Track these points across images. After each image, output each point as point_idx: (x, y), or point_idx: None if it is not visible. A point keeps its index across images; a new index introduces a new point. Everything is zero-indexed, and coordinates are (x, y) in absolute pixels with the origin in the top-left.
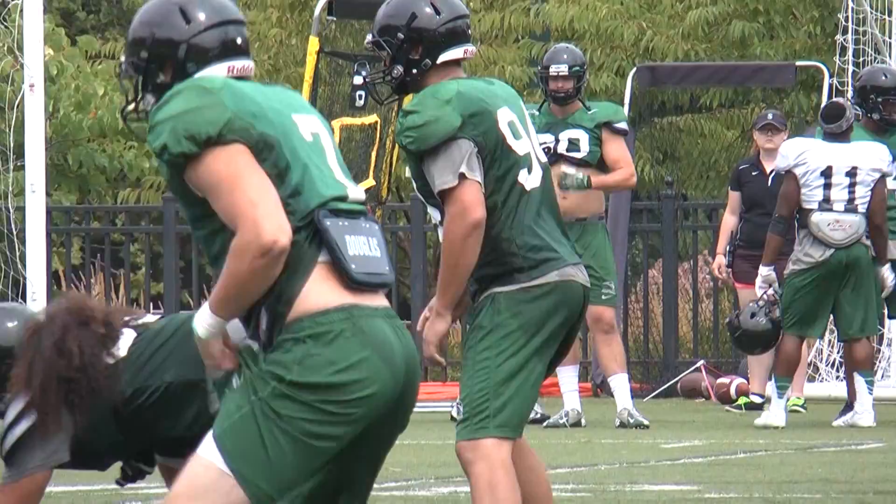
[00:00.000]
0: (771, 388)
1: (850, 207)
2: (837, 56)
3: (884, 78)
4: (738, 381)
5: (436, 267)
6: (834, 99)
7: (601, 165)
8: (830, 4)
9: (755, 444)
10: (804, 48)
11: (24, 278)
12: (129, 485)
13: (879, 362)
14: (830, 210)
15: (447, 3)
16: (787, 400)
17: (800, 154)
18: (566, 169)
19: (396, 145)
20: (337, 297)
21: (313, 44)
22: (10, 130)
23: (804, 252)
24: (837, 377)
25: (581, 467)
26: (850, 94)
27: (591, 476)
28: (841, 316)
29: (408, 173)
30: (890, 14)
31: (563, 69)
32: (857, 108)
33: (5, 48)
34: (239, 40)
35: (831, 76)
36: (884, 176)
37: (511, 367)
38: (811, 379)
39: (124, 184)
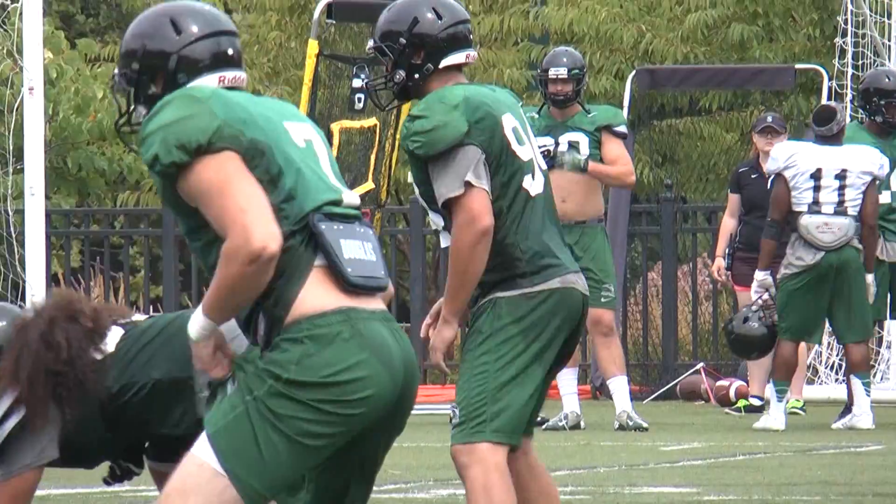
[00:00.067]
0: (770, 392)
1: (840, 210)
2: (837, 59)
3: (887, 80)
4: (738, 383)
5: (435, 270)
6: (826, 102)
7: None
8: (830, 7)
9: (754, 446)
10: (803, 51)
11: (24, 281)
12: (117, 485)
13: (878, 365)
14: (819, 213)
15: (449, 8)
16: (787, 403)
17: (789, 157)
18: (564, 149)
19: (395, 148)
20: (334, 299)
21: (312, 47)
22: (9, 133)
23: (796, 256)
24: (837, 380)
25: (580, 470)
26: (849, 96)
27: (591, 478)
28: (836, 320)
29: (409, 178)
30: (889, 17)
31: (563, 72)
32: (861, 110)
33: (4, 51)
34: (230, 51)
35: (830, 79)
36: (875, 179)
37: (510, 372)
38: (810, 381)
39: (123, 187)
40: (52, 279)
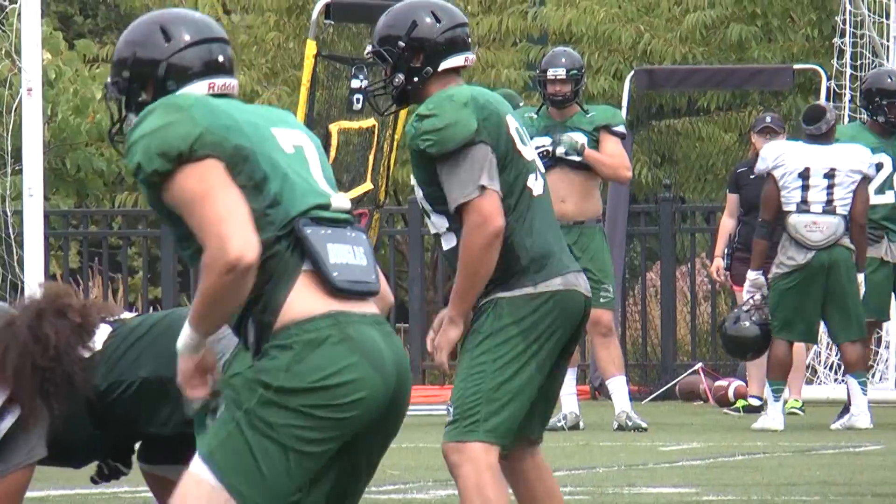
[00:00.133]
0: (766, 392)
1: (829, 209)
2: (835, 59)
3: (889, 80)
4: (737, 383)
5: (433, 271)
6: (817, 101)
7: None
8: (828, 7)
9: (753, 446)
10: (802, 51)
11: (22, 282)
12: (104, 484)
13: (877, 365)
14: (808, 212)
15: (447, 12)
16: (785, 403)
17: (777, 156)
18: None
19: (394, 149)
20: (323, 304)
21: (311, 47)
22: (7, 134)
23: (786, 255)
24: (836, 380)
25: (579, 470)
26: (847, 97)
27: (590, 479)
28: (830, 320)
29: (410, 180)
30: (887, 17)
31: (561, 73)
32: (863, 110)
33: (3, 52)
34: (221, 58)
35: (829, 79)
36: (865, 178)
37: (507, 373)
38: (809, 382)
39: (122, 187)
40: (50, 280)
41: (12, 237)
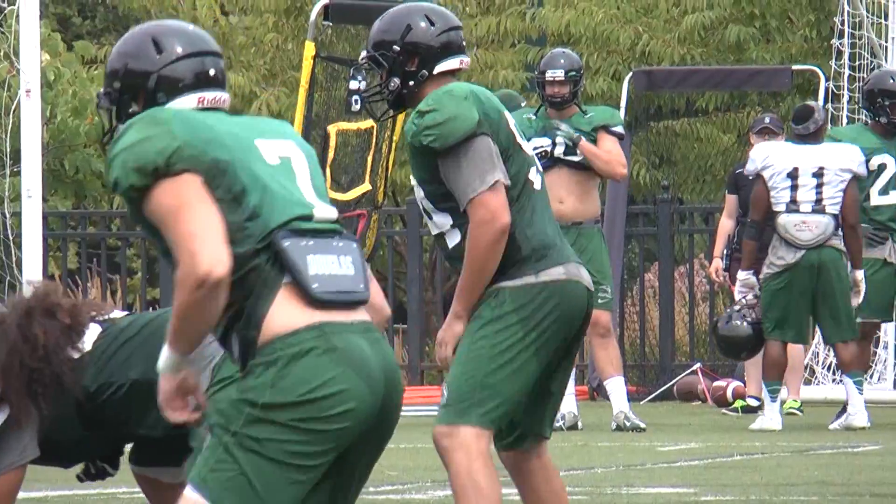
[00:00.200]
0: (763, 393)
1: (818, 208)
2: (833, 60)
3: (891, 81)
4: (735, 384)
5: (432, 271)
6: (805, 101)
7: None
8: (826, 8)
9: (752, 446)
10: (800, 52)
11: (21, 283)
12: (89, 483)
13: (875, 365)
14: (797, 211)
15: (441, 15)
16: (783, 403)
17: (766, 157)
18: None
19: (392, 150)
20: (306, 316)
21: (309, 48)
22: (6, 136)
23: (776, 255)
24: (834, 380)
25: (577, 470)
26: (845, 97)
27: (588, 479)
28: (821, 321)
29: (409, 180)
30: (886, 18)
31: (560, 74)
32: (865, 111)
33: (1, 54)
34: (212, 72)
35: (827, 80)
36: (855, 177)
37: (504, 359)
38: (807, 382)
39: None
40: (48, 280)
41: (11, 238)
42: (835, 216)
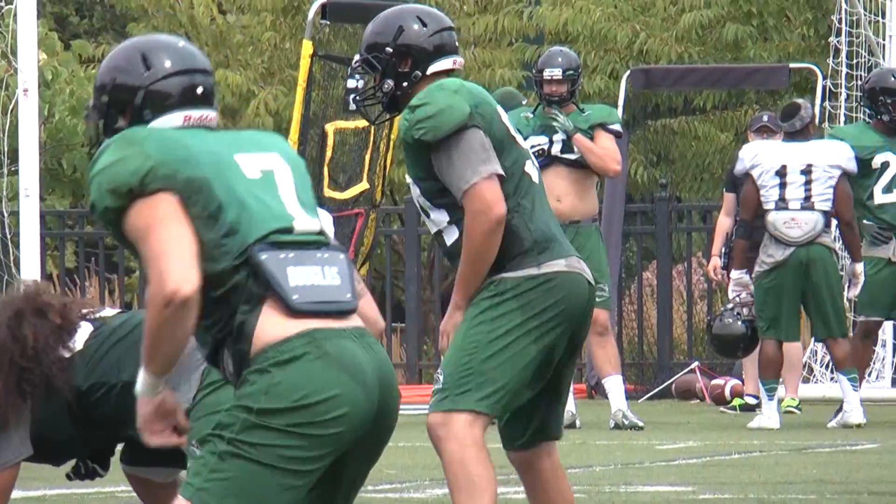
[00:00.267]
0: (761, 391)
1: (807, 205)
2: (831, 58)
3: (893, 79)
4: (733, 382)
5: (430, 270)
6: (794, 100)
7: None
8: (824, 7)
9: (750, 444)
10: (798, 50)
11: (18, 282)
12: (78, 482)
13: (873, 363)
14: (786, 209)
15: (433, 16)
16: (781, 401)
17: (754, 156)
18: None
19: (390, 149)
20: (296, 324)
21: (307, 47)
22: (4, 135)
23: (766, 253)
24: (832, 378)
25: (576, 469)
26: (843, 95)
27: (586, 477)
28: (812, 319)
29: (406, 179)
30: (883, 16)
31: (557, 73)
32: (867, 109)
33: None
34: (200, 90)
35: (825, 78)
36: (845, 173)
37: (501, 344)
38: (805, 380)
39: None
40: (46, 280)
41: (9, 237)
42: (824, 212)
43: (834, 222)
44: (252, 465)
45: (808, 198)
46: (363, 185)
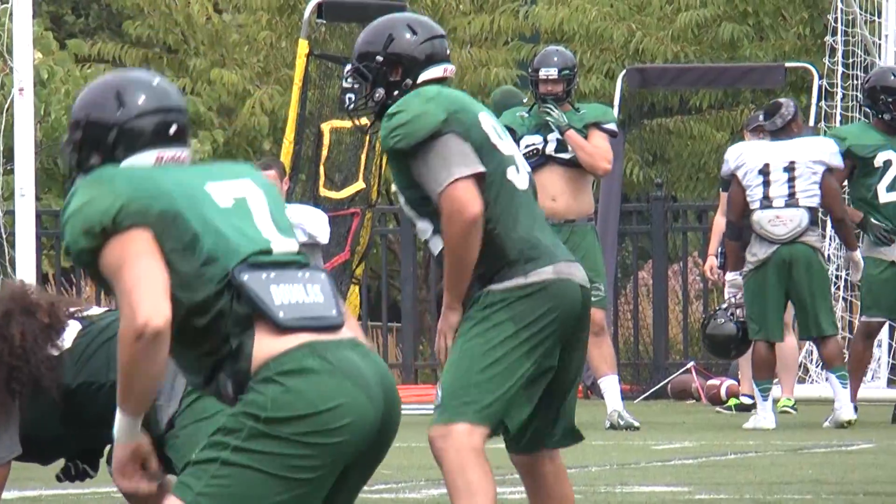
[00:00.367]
0: (755, 393)
1: (791, 202)
2: (827, 57)
3: (893, 78)
4: (729, 382)
5: (426, 269)
6: (778, 98)
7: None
8: (820, 6)
9: (745, 445)
10: (793, 49)
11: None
12: (68, 483)
13: (870, 364)
14: (770, 206)
15: (423, 24)
16: (776, 401)
17: (738, 156)
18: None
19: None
20: (293, 338)
21: (303, 47)
22: None
23: (751, 252)
24: (827, 378)
25: (571, 469)
26: (839, 95)
27: (582, 477)
28: (798, 318)
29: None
30: (879, 15)
31: (553, 73)
32: (867, 108)
33: None
34: (173, 129)
35: (821, 77)
36: (830, 169)
37: (495, 355)
38: (801, 380)
39: None
40: (42, 280)
41: (4, 237)
42: (809, 209)
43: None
44: (256, 474)
45: (792, 194)
46: (359, 185)
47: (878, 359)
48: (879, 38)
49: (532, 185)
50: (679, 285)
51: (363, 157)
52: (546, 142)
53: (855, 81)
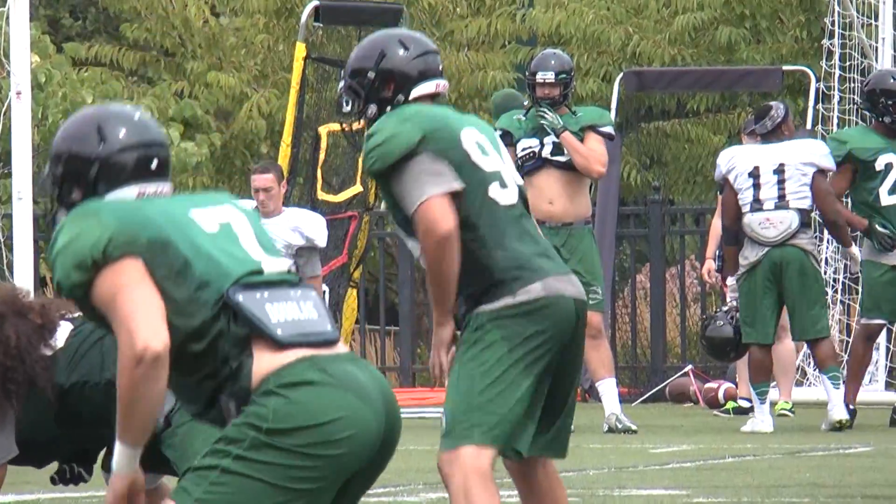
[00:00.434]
0: (752, 396)
1: (781, 204)
2: (824, 60)
3: (892, 81)
4: (727, 385)
5: (423, 273)
6: (770, 102)
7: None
8: (817, 9)
9: (743, 448)
10: (791, 52)
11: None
12: (62, 486)
13: (868, 366)
14: (761, 209)
15: (416, 40)
16: (773, 404)
17: (729, 160)
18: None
19: None
20: (292, 353)
21: (300, 50)
22: None
23: (743, 255)
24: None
25: (569, 472)
26: (836, 98)
27: (580, 481)
28: (793, 320)
29: None
30: (876, 19)
31: (550, 76)
32: (867, 111)
33: None
34: (155, 163)
35: (818, 80)
36: (821, 171)
37: (492, 376)
38: (799, 383)
39: None
40: (40, 283)
41: (1, 241)
42: (800, 210)
43: (817, 223)
44: (256, 483)
45: (782, 196)
46: (356, 188)
47: (876, 362)
48: (876, 42)
49: (523, 197)
50: (677, 289)
51: (360, 160)
52: (542, 145)
53: (852, 84)
